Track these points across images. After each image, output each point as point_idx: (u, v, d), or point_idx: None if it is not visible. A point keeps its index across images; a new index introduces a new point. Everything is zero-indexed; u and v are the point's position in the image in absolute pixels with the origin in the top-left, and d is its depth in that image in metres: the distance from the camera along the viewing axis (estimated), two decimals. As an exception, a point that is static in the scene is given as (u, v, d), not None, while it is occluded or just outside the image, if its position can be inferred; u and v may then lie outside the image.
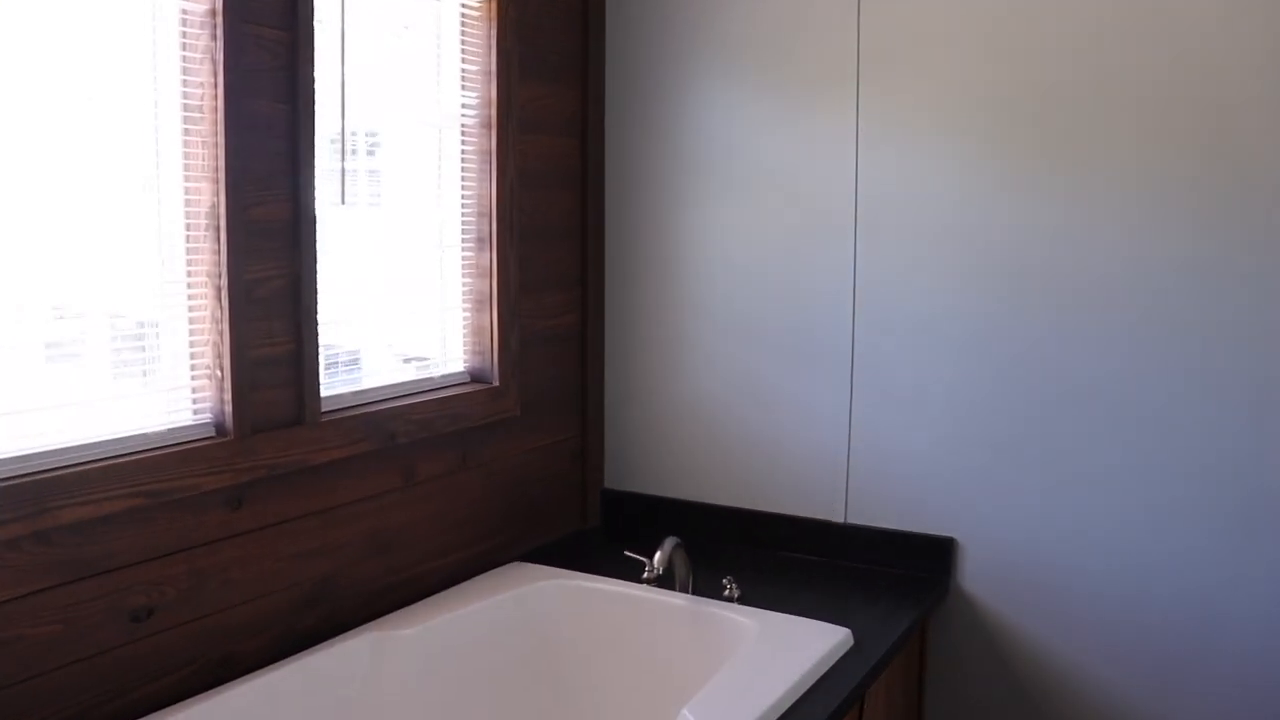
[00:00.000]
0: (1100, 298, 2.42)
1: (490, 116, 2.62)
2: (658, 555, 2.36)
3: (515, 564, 2.64)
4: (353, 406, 2.33)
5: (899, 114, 2.58)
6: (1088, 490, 2.47)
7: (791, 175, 2.71)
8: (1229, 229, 2.30)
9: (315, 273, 2.17)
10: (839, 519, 2.72)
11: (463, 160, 2.63)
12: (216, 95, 1.97)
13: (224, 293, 2.01)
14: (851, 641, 2.21)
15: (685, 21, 2.82)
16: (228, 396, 2.03)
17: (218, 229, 2.00)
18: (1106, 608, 2.47)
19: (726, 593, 2.43)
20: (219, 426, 2.05)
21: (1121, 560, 2.45)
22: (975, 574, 2.59)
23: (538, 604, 2.48)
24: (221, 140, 1.98)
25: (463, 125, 2.61)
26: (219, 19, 1.96)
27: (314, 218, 2.16)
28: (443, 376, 2.60)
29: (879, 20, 2.59)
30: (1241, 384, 2.32)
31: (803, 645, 2.14)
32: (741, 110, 2.76)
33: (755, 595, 2.47)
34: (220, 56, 1.96)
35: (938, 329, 2.58)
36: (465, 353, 2.68)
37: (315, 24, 2.13)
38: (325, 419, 2.22)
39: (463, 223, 2.64)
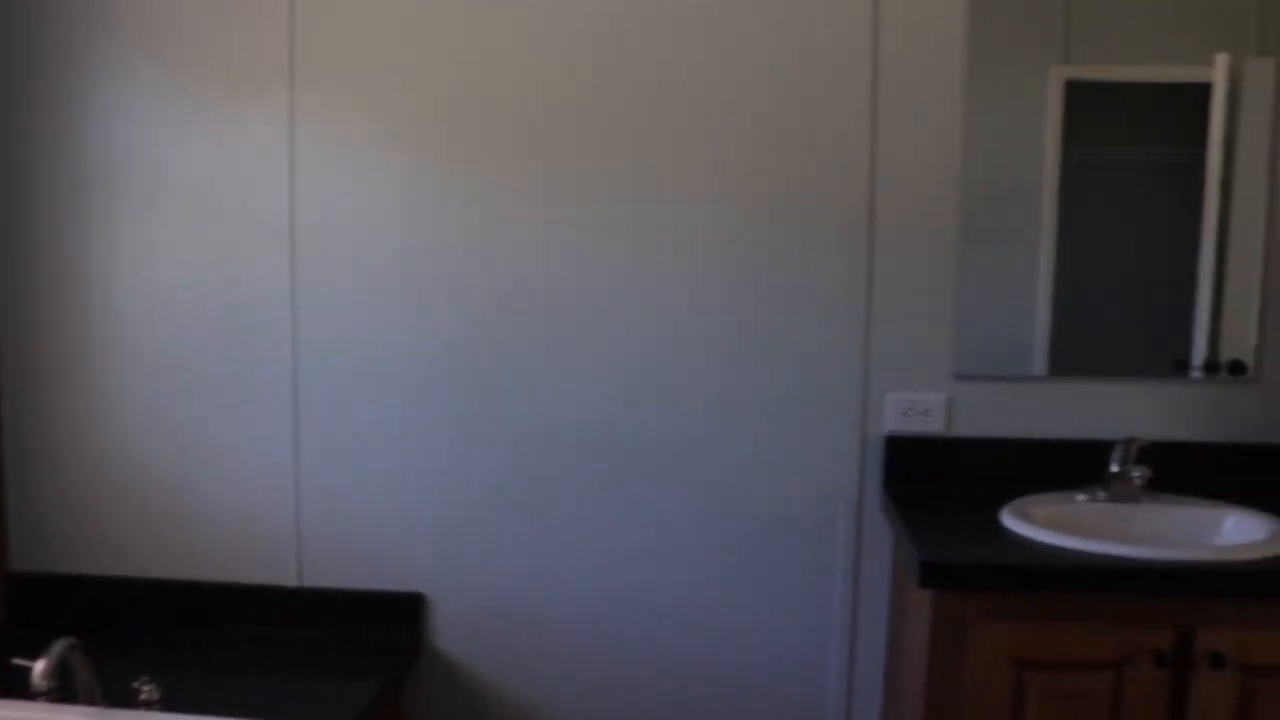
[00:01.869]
0: (575, 329, 2.29)
1: None
2: (39, 666, 1.88)
3: None
4: None
5: (340, 121, 2.29)
6: (562, 533, 2.33)
7: (218, 189, 2.33)
8: (718, 251, 2.26)
9: None
10: (292, 583, 2.39)
11: None
12: None
13: None
14: (285, 742, 1.89)
15: (83, 8, 2.33)
16: None
17: None
18: (588, 654, 2.35)
19: (143, 696, 2.01)
20: None
21: (599, 604, 2.34)
22: (448, 631, 2.37)
23: (-122, 748, 1.90)
24: None
25: None
26: None
27: None
28: None
29: (315, 15, 2.27)
30: (725, 412, 2.29)
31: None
32: (158, 114, 2.33)
33: (188, 688, 2.08)
34: None
35: (394, 364, 2.32)
36: None
37: None
38: None
39: None
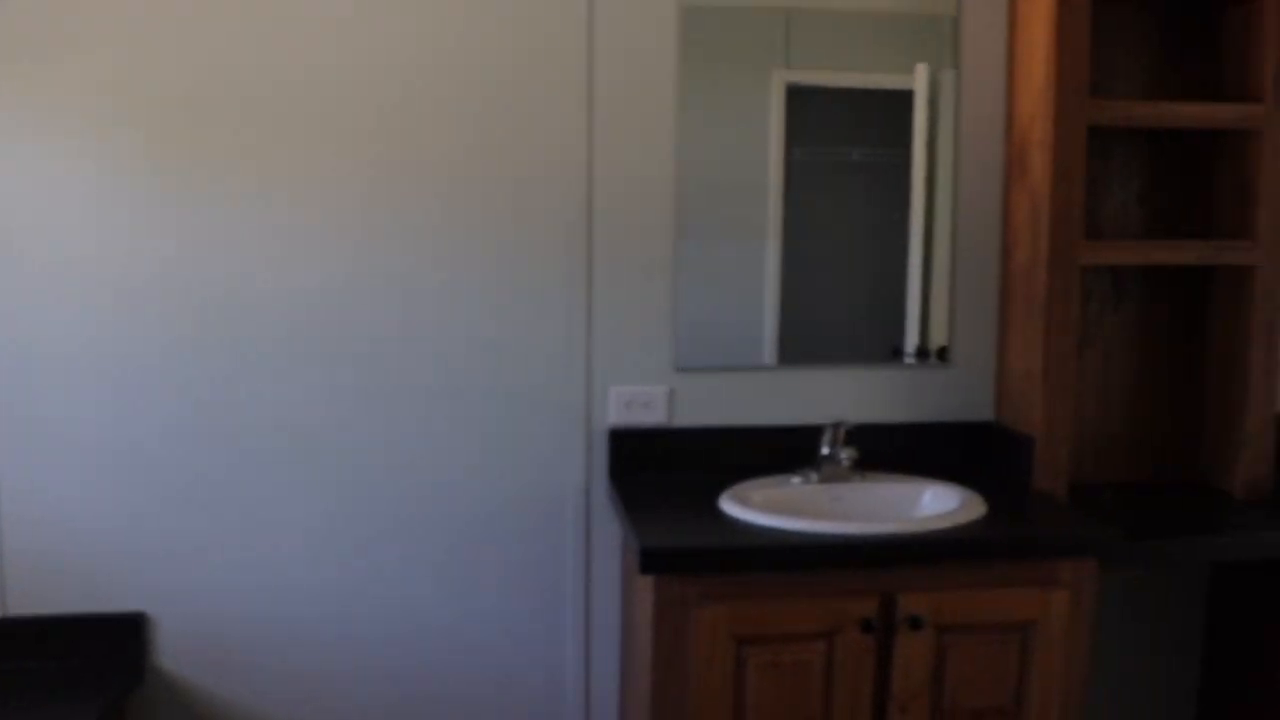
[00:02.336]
0: (294, 331, 2.23)
1: None
2: None
3: None
4: None
5: (31, 110, 2.13)
6: (287, 540, 2.28)
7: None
8: (438, 250, 2.25)
9: None
10: (-7, 614, 2.23)
11: None
12: None
13: None
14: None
15: None
16: None
17: None
18: (320, 664, 2.30)
19: None
20: None
21: (329, 611, 2.30)
22: (173, 649, 2.26)
23: None
24: None
25: None
26: None
27: None
28: None
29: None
30: (451, 412, 2.28)
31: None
32: None
33: None
34: None
35: (100, 370, 2.19)
36: None
37: None
38: None
39: None
